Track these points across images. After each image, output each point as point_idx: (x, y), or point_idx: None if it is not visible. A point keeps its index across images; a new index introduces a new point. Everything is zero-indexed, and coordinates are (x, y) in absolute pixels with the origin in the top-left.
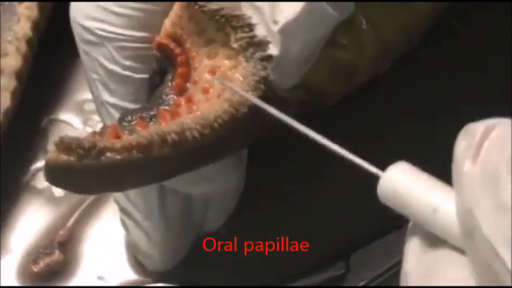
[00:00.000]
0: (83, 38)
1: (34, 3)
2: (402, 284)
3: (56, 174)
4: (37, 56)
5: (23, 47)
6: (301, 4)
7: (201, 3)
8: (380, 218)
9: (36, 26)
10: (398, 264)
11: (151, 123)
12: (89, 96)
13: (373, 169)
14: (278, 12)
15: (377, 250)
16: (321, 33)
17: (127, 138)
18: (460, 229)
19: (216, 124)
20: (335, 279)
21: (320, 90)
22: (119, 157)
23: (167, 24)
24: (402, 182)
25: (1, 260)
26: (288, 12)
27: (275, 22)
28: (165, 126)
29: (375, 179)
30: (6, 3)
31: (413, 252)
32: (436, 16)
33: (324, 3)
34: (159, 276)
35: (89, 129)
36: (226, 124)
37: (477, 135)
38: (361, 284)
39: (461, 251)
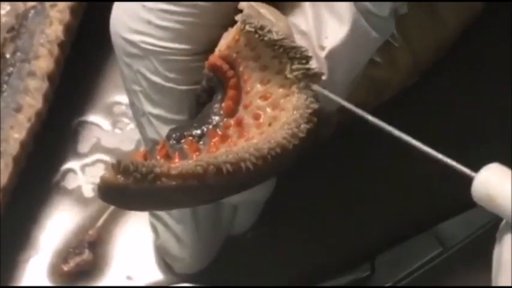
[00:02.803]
0: (126, 51)
1: (66, 7)
2: (495, 269)
3: (110, 194)
4: (68, 59)
5: (55, 50)
6: (345, 29)
7: (261, 32)
8: (405, 221)
9: (68, 29)
10: (422, 267)
11: (201, 143)
12: (118, 98)
13: (466, 170)
14: (324, 38)
15: (402, 253)
16: (365, 56)
17: (183, 166)
18: None
19: (269, 156)
20: (360, 281)
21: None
22: (174, 183)
23: (222, 45)
24: (495, 183)
25: (31, 260)
26: (334, 37)
27: (321, 48)
28: (220, 155)
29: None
30: (39, 6)
31: (509, 247)
32: (463, 29)
33: (367, 26)
34: (187, 277)
35: (118, 131)
36: (279, 156)
37: None
38: (386, 285)
39: None
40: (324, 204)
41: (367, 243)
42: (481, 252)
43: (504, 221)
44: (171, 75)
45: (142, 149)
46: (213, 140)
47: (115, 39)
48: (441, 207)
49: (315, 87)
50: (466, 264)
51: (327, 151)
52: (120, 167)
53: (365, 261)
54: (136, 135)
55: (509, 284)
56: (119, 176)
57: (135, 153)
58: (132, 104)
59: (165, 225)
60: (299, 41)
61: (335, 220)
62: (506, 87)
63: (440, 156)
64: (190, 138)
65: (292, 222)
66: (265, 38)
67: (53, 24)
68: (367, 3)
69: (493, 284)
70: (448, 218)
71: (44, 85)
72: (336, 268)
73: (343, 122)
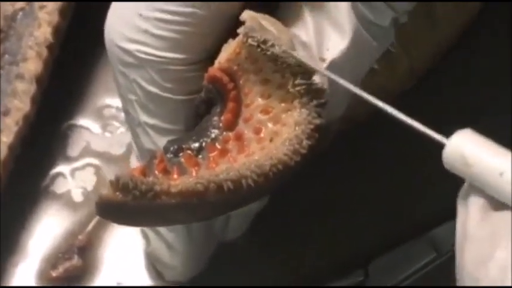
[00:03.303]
0: (121, 59)
1: (55, 9)
2: (461, 237)
3: (109, 211)
4: (57, 61)
5: (44, 52)
6: (346, 40)
7: (264, 46)
8: (399, 226)
9: (56, 31)
10: (417, 272)
11: (200, 156)
12: (108, 101)
13: (437, 136)
14: (325, 49)
15: (396, 258)
16: (365, 66)
17: (183, 184)
18: None
19: (270, 173)
20: (354, 286)
21: (353, 117)
22: (173, 201)
23: (222, 58)
24: (468, 147)
25: (20, 265)
26: (335, 49)
27: (322, 60)
28: (221, 172)
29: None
30: (28, 8)
31: (476, 214)
32: (460, 32)
33: (368, 36)
34: (177, 283)
35: (108, 135)
36: (280, 172)
37: None
38: None
39: None
40: (318, 210)
41: (361, 249)
42: None
43: (467, 185)
44: (167, 85)
45: (133, 155)
46: (212, 154)
47: (110, 47)
48: (435, 213)
49: (327, 72)
50: None
51: (323, 156)
52: (119, 184)
53: (359, 267)
54: (127, 139)
55: (475, 256)
56: (117, 193)
57: (133, 169)
58: (127, 113)
59: (157, 232)
60: (300, 52)
61: (329, 225)
62: (505, 90)
63: (412, 122)
64: (189, 152)
65: (285, 227)
66: (268, 53)
67: (42, 26)
68: (368, 14)
69: (458, 254)
70: (442, 224)
71: (32, 88)
72: (329, 273)
73: (344, 128)
